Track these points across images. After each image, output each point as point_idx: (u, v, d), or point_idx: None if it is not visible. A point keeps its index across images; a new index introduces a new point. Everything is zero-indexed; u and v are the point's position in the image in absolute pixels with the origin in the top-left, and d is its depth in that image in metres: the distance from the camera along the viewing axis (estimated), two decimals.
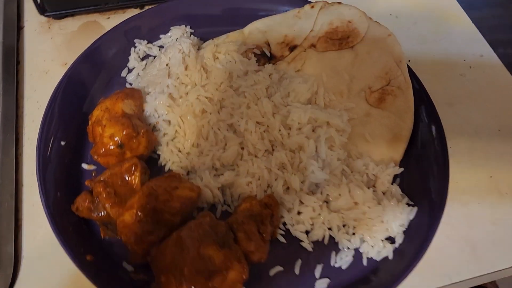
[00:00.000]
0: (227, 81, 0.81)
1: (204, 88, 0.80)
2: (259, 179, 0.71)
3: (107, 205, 0.66)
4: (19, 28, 0.96)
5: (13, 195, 0.73)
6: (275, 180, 0.71)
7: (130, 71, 0.87)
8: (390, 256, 0.67)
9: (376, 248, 0.68)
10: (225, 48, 0.84)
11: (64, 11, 0.95)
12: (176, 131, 0.77)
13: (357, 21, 0.86)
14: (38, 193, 0.67)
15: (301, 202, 0.70)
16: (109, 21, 0.98)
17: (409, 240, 0.68)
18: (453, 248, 0.72)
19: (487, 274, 0.71)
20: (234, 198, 0.72)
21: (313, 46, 0.87)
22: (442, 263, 0.70)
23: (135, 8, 1.00)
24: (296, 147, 0.72)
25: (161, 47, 0.90)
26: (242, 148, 0.75)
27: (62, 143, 0.75)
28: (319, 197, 0.70)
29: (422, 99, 0.79)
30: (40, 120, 0.74)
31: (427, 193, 0.72)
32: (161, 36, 0.91)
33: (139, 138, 0.72)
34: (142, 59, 0.88)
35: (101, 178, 0.69)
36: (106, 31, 0.86)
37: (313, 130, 0.74)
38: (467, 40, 0.98)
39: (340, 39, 0.86)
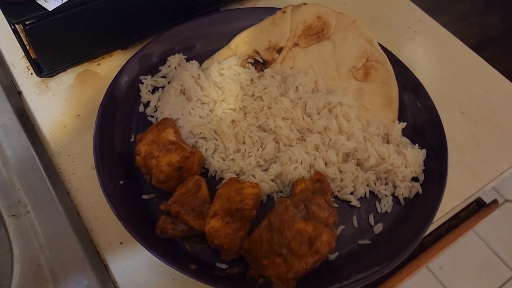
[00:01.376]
0: (242, 91, 0.92)
1: (225, 102, 0.91)
2: (301, 163, 0.84)
3: (190, 220, 0.75)
4: (18, 93, 0.98)
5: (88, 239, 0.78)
6: (315, 159, 0.84)
7: (145, 105, 0.95)
8: (420, 191, 0.84)
9: (408, 189, 0.84)
10: (226, 64, 0.96)
11: (57, 69, 0.99)
12: (215, 144, 0.87)
13: (325, 15, 1.02)
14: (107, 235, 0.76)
15: (340, 171, 0.84)
16: (100, 67, 1.04)
17: (429, 176, 0.85)
18: (456, 173, 0.91)
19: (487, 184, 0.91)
20: (285, 184, 0.84)
21: (296, 44, 1.01)
22: (453, 186, 0.88)
23: (122, 50, 1.06)
24: (322, 129, 0.86)
25: (164, 77, 0.99)
26: (277, 143, 0.87)
27: (121, 182, 0.81)
28: (353, 162, 0.85)
29: (396, 64, 0.97)
30: (80, 171, 0.83)
31: (426, 136, 0.90)
32: (160, 68, 0.99)
33: (192, 159, 0.81)
34: (152, 93, 0.96)
35: (173, 200, 0.77)
36: (115, 76, 0.92)
37: (329, 112, 0.88)
38: (406, 10, 1.18)
39: (317, 33, 1.01)
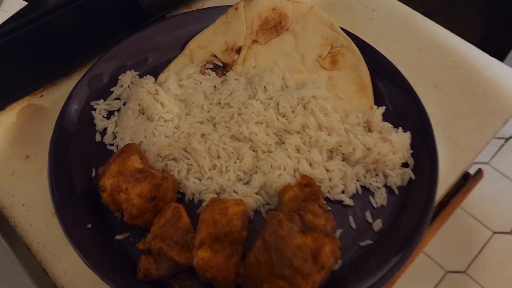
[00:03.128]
0: (206, 101, 0.84)
1: (190, 115, 0.82)
2: (285, 169, 0.77)
3: (174, 255, 0.67)
4: None
5: None
6: (298, 162, 0.78)
7: (102, 133, 0.85)
8: (413, 176, 0.79)
9: (399, 176, 0.79)
10: (185, 74, 0.88)
11: None
12: (187, 164, 0.78)
13: (280, 6, 0.95)
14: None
15: (327, 170, 0.78)
16: (44, 98, 0.93)
17: (418, 158, 0.81)
18: (443, 149, 0.87)
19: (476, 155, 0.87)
20: (271, 194, 0.77)
21: (255, 41, 0.94)
22: (443, 163, 0.84)
23: (65, 76, 0.96)
24: (300, 128, 0.80)
25: (117, 99, 0.89)
26: (255, 151, 0.80)
27: (89, 226, 0.72)
28: (338, 158, 0.79)
29: (361, 46, 0.92)
30: (39, 221, 0.73)
31: (406, 117, 0.85)
32: (112, 89, 0.89)
33: (165, 185, 0.72)
34: (108, 118, 0.87)
35: (152, 235, 0.69)
36: (62, 107, 0.82)
37: (304, 108, 0.82)
38: None
39: (275, 26, 0.94)
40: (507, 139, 2.55)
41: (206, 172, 0.78)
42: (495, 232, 2.28)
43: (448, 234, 2.26)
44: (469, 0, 2.25)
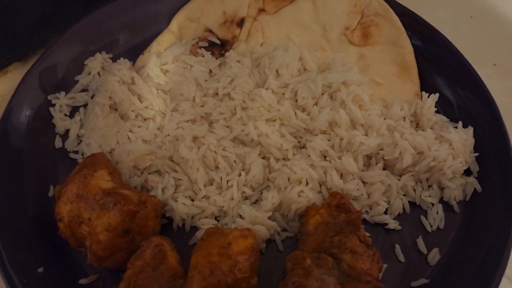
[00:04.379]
0: (199, 91, 0.64)
1: (178, 111, 0.62)
2: (307, 183, 0.57)
3: None
4: None
5: None
6: (325, 174, 0.58)
7: (63, 137, 0.65)
8: (479, 188, 0.59)
9: (460, 188, 0.60)
10: (170, 55, 0.67)
11: None
12: (175, 178, 0.59)
13: None
14: None
15: (364, 182, 0.59)
16: None
17: (485, 163, 0.60)
18: None
19: None
20: (289, 218, 0.58)
21: (262, 10, 0.74)
22: None
23: (19, 62, 0.75)
24: (327, 126, 0.60)
25: (84, 90, 0.69)
26: (265, 158, 0.60)
27: (39, 270, 0.52)
28: (379, 167, 0.60)
29: (401, 13, 0.71)
30: None
31: (465, 108, 0.64)
32: (76, 78, 0.69)
33: (143, 212, 0.54)
34: (71, 116, 0.66)
35: (125, 285, 0.49)
36: (8, 104, 0.63)
37: (331, 98, 0.61)
38: None
39: None
40: None
41: (200, 189, 0.60)
42: None
43: None
44: None
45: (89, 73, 0.70)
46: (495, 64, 0.77)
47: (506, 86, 0.75)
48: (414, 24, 0.71)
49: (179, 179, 0.60)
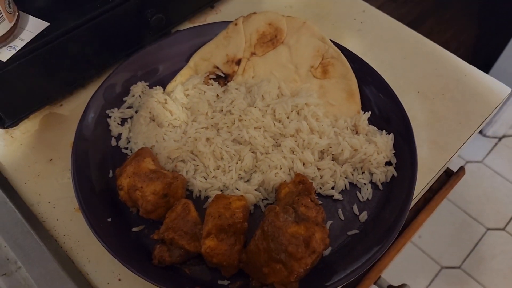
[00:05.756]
0: (210, 108, 0.94)
1: (196, 121, 0.92)
2: (281, 168, 0.86)
3: (185, 244, 0.77)
4: None
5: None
6: (293, 162, 0.87)
7: (117, 139, 0.95)
8: (395, 173, 0.89)
9: (383, 174, 0.89)
10: (190, 84, 0.97)
11: (19, 118, 0.97)
12: (194, 165, 0.88)
13: (275, 21, 1.05)
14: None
15: (319, 169, 0.88)
16: (63, 107, 1.03)
17: (400, 158, 0.90)
18: (424, 149, 0.96)
19: (454, 155, 0.97)
20: (269, 191, 0.86)
21: (253, 53, 1.04)
22: (424, 162, 0.94)
23: (82, 87, 1.06)
24: (294, 132, 0.89)
25: (130, 107, 0.99)
26: (254, 153, 0.89)
27: (109, 220, 0.81)
28: (329, 159, 0.89)
29: (349, 56, 1.01)
30: (63, 216, 0.84)
31: (391, 121, 0.95)
32: (124, 98, 0.99)
33: (176, 183, 0.82)
34: (122, 125, 0.96)
35: (165, 227, 0.78)
36: (82, 115, 0.91)
37: (298, 114, 0.92)
38: (348, 3, 1.23)
39: (271, 40, 1.04)
40: (500, 139, 2.65)
41: (211, 171, 0.87)
42: (489, 229, 2.37)
43: (443, 230, 2.35)
44: (461, 1, 2.36)
45: (133, 95, 0.98)
46: (418, 92, 1.06)
47: (424, 107, 1.03)
48: (357, 64, 0.99)
49: (197, 165, 0.87)
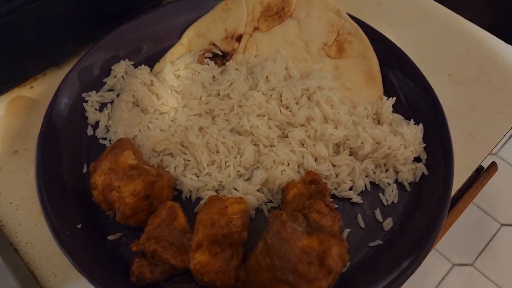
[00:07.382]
0: (204, 92, 0.79)
1: (187, 107, 0.78)
2: (288, 164, 0.72)
3: (170, 258, 0.62)
4: None
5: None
6: (303, 157, 0.73)
7: (94, 127, 0.80)
8: (426, 172, 0.74)
9: (411, 172, 0.74)
10: (182, 63, 0.82)
11: None
12: (184, 159, 0.74)
13: None
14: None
15: (334, 165, 0.73)
16: (34, 90, 0.88)
17: (431, 153, 0.75)
18: (457, 143, 0.81)
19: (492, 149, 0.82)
20: (274, 192, 0.72)
21: (256, 28, 0.89)
22: (458, 158, 0.79)
23: (56, 66, 0.91)
24: (305, 120, 0.75)
25: (111, 90, 0.84)
26: (256, 145, 0.75)
27: (79, 226, 0.67)
28: (346, 153, 0.74)
29: (369, 33, 0.86)
30: (27, 220, 0.70)
31: (418, 109, 0.79)
32: (105, 80, 0.84)
33: (160, 182, 0.68)
34: (100, 110, 0.82)
35: (146, 236, 0.64)
36: (52, 99, 0.77)
37: (309, 99, 0.77)
38: None
39: (277, 13, 0.89)
40: None
41: (204, 168, 0.73)
42: (503, 224, 2.23)
43: (454, 226, 2.21)
44: None
45: (115, 76, 0.84)
46: (449, 75, 0.92)
47: (457, 93, 0.89)
48: (379, 41, 0.85)
49: (188, 159, 0.74)
